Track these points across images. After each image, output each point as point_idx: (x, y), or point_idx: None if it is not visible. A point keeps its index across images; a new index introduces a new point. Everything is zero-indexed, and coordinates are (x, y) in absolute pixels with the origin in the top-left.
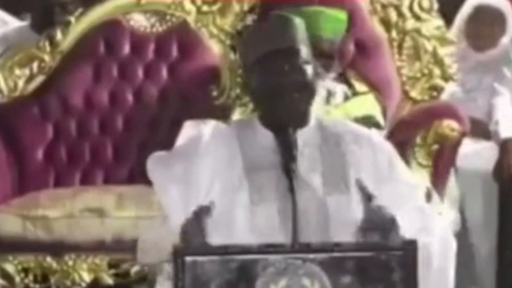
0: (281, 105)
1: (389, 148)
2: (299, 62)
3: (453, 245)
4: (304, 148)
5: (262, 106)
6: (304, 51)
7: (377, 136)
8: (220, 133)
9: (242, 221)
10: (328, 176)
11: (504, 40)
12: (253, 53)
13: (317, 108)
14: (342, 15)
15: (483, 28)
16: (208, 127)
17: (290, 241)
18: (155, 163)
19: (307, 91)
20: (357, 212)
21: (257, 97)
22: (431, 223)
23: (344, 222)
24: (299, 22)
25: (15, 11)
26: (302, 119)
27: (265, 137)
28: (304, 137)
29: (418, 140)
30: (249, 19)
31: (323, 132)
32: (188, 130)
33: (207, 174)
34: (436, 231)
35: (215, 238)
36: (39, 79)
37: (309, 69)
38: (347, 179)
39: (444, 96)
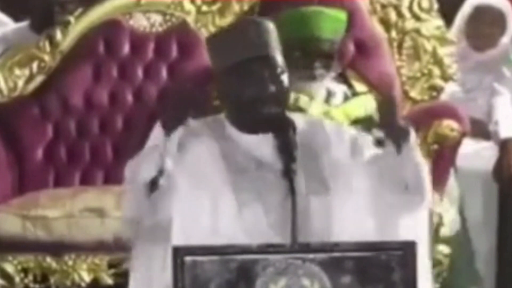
0: (258, 116)
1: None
2: (277, 71)
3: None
4: None
5: (237, 113)
6: (280, 59)
7: (336, 125)
8: (195, 131)
9: (228, 224)
10: (308, 176)
11: (504, 40)
12: (229, 58)
13: (317, 109)
14: (341, 15)
15: (483, 28)
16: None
17: (280, 241)
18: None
19: (284, 102)
20: (338, 212)
21: (233, 104)
22: None
23: (326, 223)
24: (272, 29)
25: (14, 12)
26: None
27: (243, 138)
28: None
29: (418, 140)
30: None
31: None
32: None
33: (190, 176)
34: None
35: (203, 240)
36: (39, 79)
37: (285, 79)
38: (325, 179)
39: (444, 96)
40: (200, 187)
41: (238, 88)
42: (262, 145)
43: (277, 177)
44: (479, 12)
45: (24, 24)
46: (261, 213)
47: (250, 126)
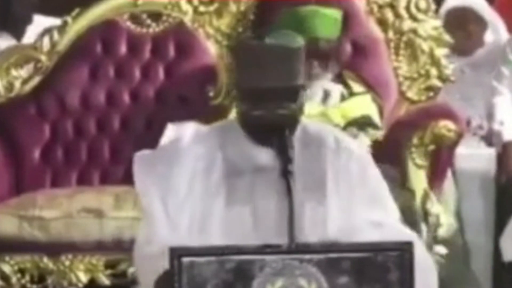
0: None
1: (365, 157)
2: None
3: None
4: None
5: (251, 106)
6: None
7: (355, 144)
8: (202, 136)
9: (216, 226)
10: (307, 183)
11: (489, 36)
12: (249, 81)
13: (314, 109)
14: (337, 14)
15: (461, 30)
16: (189, 130)
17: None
18: (139, 163)
19: (297, 100)
20: (331, 224)
21: (249, 98)
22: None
23: (317, 231)
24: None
25: None
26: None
27: (247, 142)
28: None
29: (415, 140)
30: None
31: (306, 136)
32: (170, 132)
33: (186, 177)
34: None
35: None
36: (36, 79)
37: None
38: (325, 189)
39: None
40: (196, 189)
41: (255, 81)
42: (264, 149)
43: (274, 180)
44: (452, 16)
45: None
46: (247, 216)
47: (258, 124)
